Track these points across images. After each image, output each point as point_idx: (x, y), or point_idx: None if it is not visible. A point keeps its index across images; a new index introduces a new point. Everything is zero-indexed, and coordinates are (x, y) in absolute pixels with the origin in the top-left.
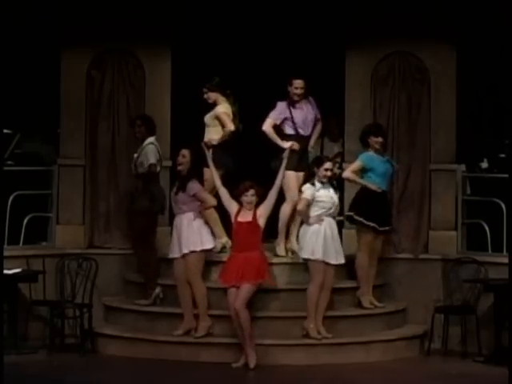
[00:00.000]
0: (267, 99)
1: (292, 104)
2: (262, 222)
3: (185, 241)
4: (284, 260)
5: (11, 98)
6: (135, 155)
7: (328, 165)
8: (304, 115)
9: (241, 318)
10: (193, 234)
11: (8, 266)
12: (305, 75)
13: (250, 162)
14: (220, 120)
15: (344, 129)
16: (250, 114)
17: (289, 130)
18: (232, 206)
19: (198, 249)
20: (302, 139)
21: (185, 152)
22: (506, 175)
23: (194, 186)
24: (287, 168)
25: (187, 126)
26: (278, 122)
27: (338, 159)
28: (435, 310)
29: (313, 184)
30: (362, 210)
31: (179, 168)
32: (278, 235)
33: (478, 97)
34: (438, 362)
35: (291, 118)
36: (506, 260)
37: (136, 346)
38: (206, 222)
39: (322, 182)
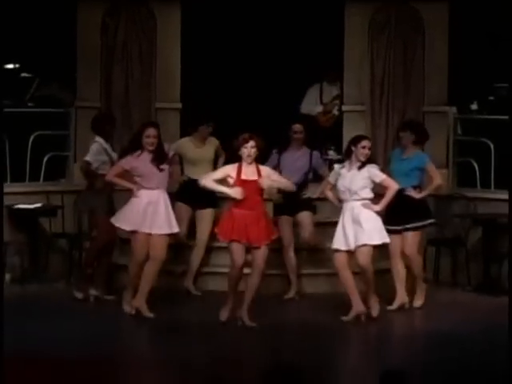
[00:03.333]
0: (274, 52)
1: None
2: (262, 182)
3: (149, 220)
4: None
5: (30, 44)
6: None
7: (365, 142)
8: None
9: (258, 280)
10: (161, 215)
11: (29, 201)
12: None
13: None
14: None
15: (343, 75)
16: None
17: None
18: (227, 171)
19: (167, 232)
20: None
21: (154, 132)
22: (495, 116)
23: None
24: (280, 214)
25: (196, 73)
26: None
27: (337, 101)
28: (427, 242)
29: (339, 163)
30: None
31: (152, 147)
32: (291, 284)
33: (470, 43)
34: (430, 291)
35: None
36: (493, 196)
37: None
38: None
39: (360, 162)
